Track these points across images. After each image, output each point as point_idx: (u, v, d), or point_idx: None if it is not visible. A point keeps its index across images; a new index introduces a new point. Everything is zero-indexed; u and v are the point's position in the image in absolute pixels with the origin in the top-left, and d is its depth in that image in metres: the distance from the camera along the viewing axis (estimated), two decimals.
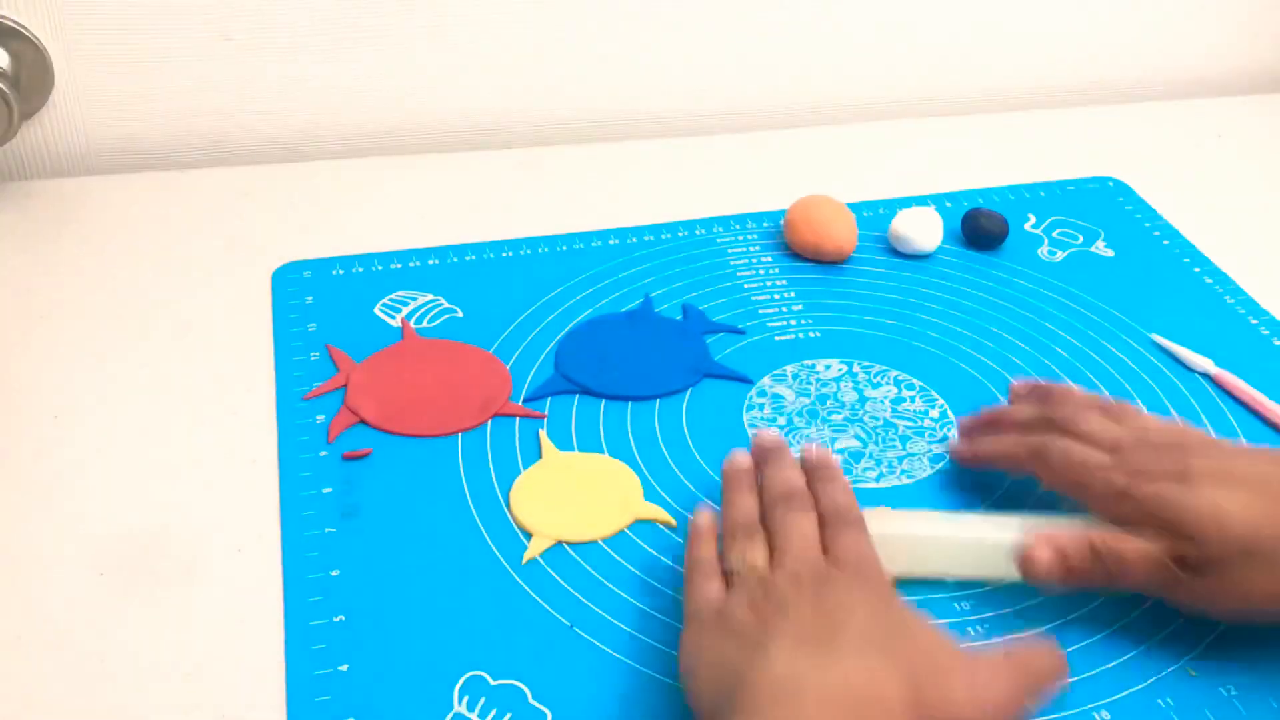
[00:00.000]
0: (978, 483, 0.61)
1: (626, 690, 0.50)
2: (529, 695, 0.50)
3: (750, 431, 0.63)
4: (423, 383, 0.65)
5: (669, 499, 0.59)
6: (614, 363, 0.67)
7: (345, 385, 0.64)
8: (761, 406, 0.65)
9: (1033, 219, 0.83)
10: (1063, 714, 0.50)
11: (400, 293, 0.72)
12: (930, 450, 0.63)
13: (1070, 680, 0.51)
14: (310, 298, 0.71)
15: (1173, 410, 0.66)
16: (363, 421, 0.62)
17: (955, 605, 0.55)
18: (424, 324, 0.70)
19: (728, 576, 0.49)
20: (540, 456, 0.61)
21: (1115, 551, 0.50)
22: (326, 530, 0.56)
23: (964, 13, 0.95)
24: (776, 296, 0.74)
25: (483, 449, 0.61)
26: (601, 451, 0.62)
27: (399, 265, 0.74)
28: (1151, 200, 0.86)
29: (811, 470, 0.54)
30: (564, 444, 0.62)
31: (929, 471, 0.62)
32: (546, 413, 0.64)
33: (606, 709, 0.49)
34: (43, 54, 0.78)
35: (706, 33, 0.91)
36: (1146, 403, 0.67)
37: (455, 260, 0.75)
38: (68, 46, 0.79)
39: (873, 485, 0.60)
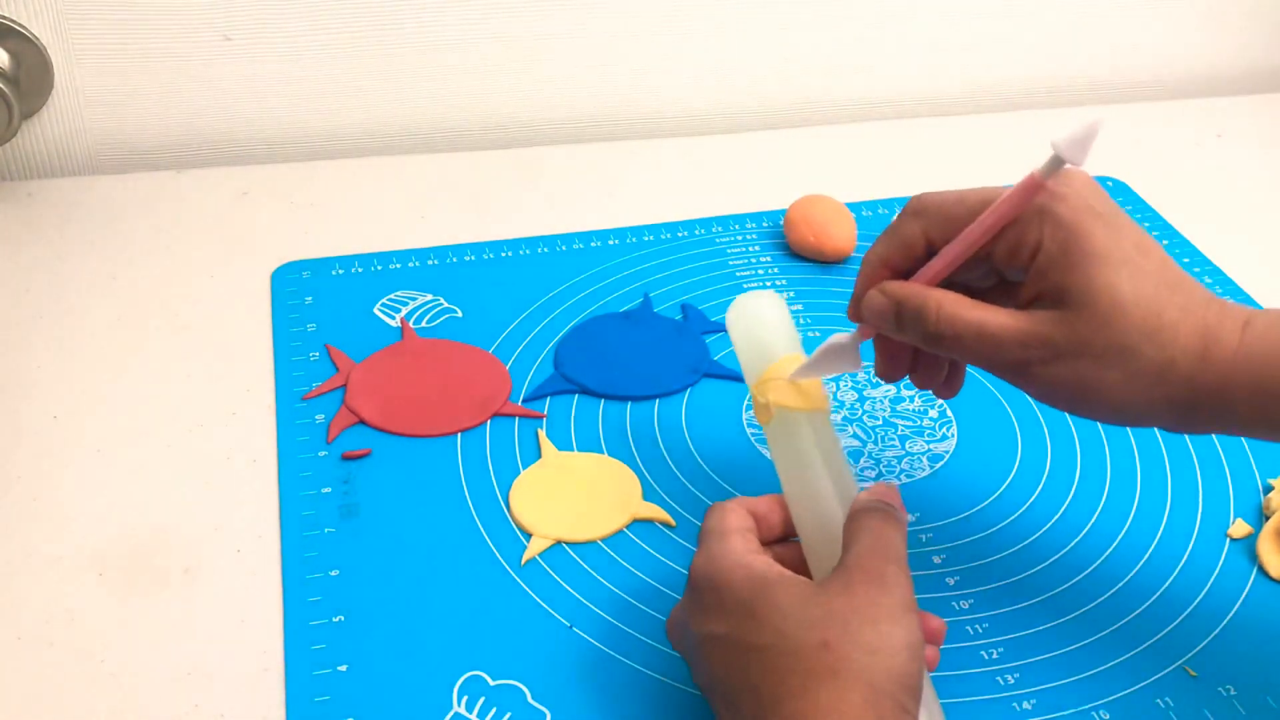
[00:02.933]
0: (978, 483, 0.61)
1: (626, 690, 0.50)
2: (528, 695, 0.50)
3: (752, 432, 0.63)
4: (422, 382, 0.65)
5: (668, 499, 0.59)
6: (613, 362, 0.67)
7: (345, 385, 0.64)
8: None
9: None
10: (1063, 714, 0.50)
11: (400, 293, 0.72)
12: (930, 450, 0.63)
13: (1070, 680, 0.51)
14: (310, 298, 0.71)
15: None
16: (362, 421, 0.62)
17: (955, 604, 0.55)
18: (423, 324, 0.70)
19: None
20: (539, 456, 0.61)
21: (958, 319, 0.46)
22: (326, 530, 0.56)
23: (963, 12, 0.95)
24: None
25: (482, 449, 0.61)
26: (601, 451, 0.62)
27: (398, 265, 0.74)
28: (1151, 200, 0.85)
29: None
30: (563, 444, 0.62)
31: (928, 471, 0.62)
32: (546, 412, 0.64)
33: (606, 709, 0.49)
34: (43, 54, 0.78)
35: (706, 33, 0.91)
36: None
37: (454, 260, 0.75)
38: (68, 46, 0.79)
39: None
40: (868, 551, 0.44)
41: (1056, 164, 0.44)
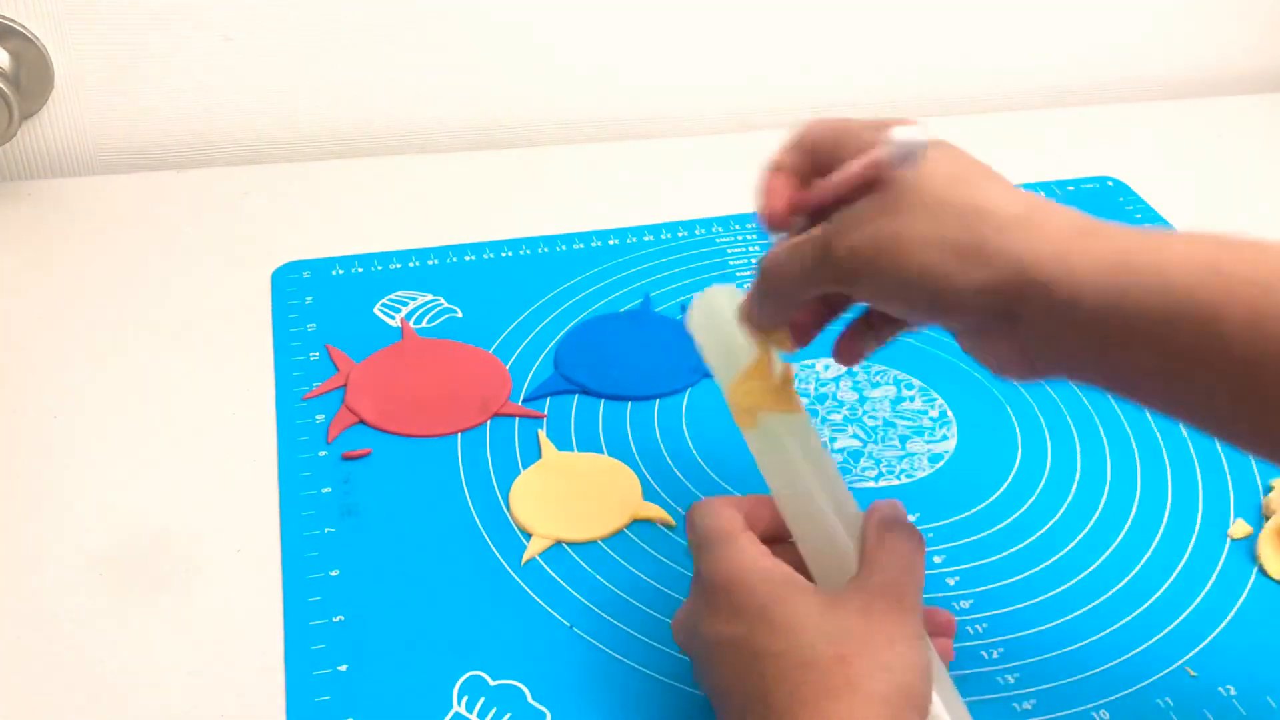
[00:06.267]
0: (978, 483, 0.61)
1: (626, 690, 0.50)
2: (528, 695, 0.50)
3: None
4: (422, 382, 0.65)
5: (668, 499, 0.59)
6: (613, 363, 0.67)
7: (345, 385, 0.64)
8: None
9: None
10: (1063, 714, 0.50)
11: (400, 293, 0.72)
12: (930, 450, 0.63)
13: (1070, 680, 0.51)
14: (310, 298, 0.71)
15: None
16: (362, 421, 0.62)
17: (955, 605, 0.55)
18: (423, 324, 0.70)
19: None
20: (540, 456, 0.61)
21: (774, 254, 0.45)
22: (326, 530, 0.56)
23: (964, 13, 0.95)
24: None
25: (482, 449, 0.62)
26: (601, 451, 0.62)
27: (398, 265, 0.74)
28: (1151, 200, 0.86)
29: None
30: (563, 444, 0.62)
31: (928, 471, 0.62)
32: (546, 413, 0.64)
33: (606, 709, 0.49)
34: (43, 54, 0.78)
35: (706, 33, 0.91)
36: None
37: (455, 260, 0.75)
38: (68, 46, 0.79)
39: (871, 485, 0.60)
40: (893, 577, 0.44)
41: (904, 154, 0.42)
